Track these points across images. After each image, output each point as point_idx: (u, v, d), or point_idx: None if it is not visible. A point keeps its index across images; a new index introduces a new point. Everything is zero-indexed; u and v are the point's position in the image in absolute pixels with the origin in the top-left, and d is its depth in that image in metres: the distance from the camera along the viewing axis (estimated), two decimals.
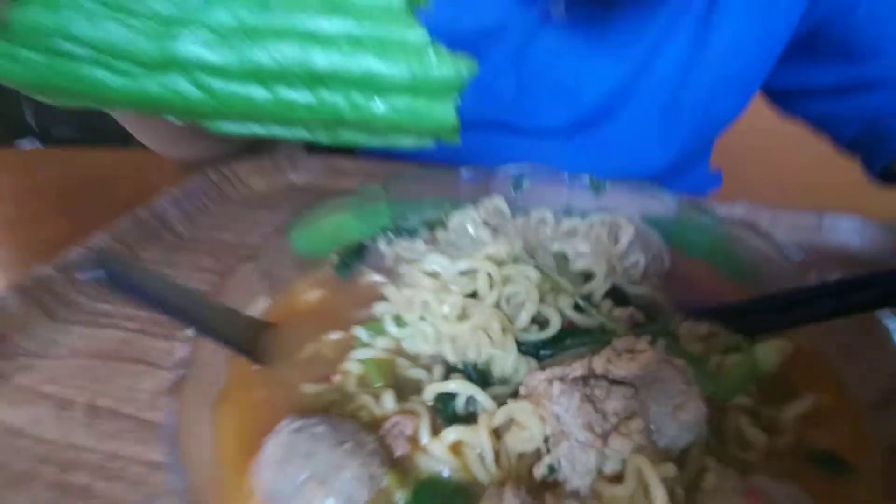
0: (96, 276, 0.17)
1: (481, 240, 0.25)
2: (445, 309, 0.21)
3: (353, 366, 0.21)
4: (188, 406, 0.17)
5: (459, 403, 0.19)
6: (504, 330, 0.21)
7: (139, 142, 0.53)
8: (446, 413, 0.19)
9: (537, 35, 0.41)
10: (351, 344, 0.22)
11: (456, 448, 0.18)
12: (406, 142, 0.25)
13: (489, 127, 0.45)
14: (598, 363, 0.19)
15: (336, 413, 0.19)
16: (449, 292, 0.21)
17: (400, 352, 0.22)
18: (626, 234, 0.26)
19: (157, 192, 0.42)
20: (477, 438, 0.18)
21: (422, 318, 0.21)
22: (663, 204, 0.28)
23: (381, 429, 0.18)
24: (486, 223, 0.26)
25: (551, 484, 0.17)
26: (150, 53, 0.25)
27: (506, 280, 0.22)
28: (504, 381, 0.20)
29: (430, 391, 0.19)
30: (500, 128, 0.46)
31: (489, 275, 0.22)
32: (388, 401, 0.20)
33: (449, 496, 0.17)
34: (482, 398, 0.19)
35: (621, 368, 0.18)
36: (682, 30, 0.41)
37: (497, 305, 0.21)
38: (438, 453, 0.18)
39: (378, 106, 0.24)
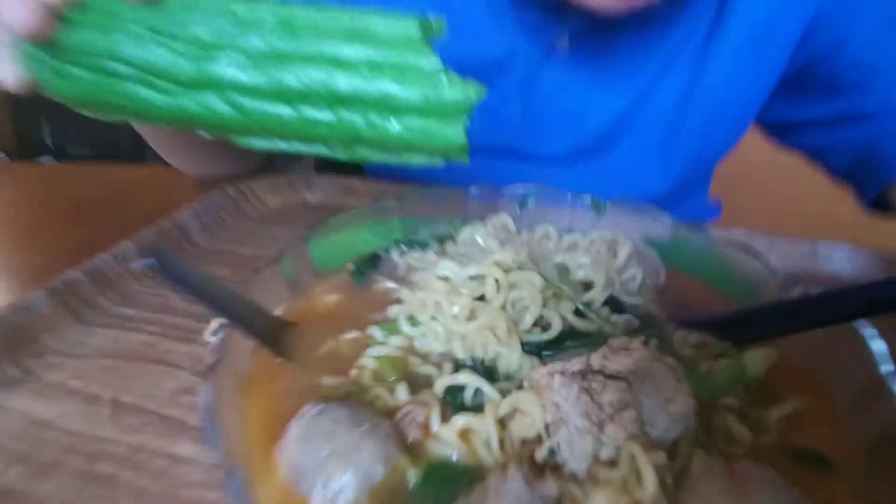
0: (148, 264, 0.19)
1: (489, 249, 0.27)
2: (455, 309, 0.23)
3: (368, 362, 0.23)
4: (220, 389, 0.19)
5: (467, 395, 0.21)
6: (509, 330, 0.23)
7: (153, 159, 0.56)
8: (455, 404, 0.21)
9: (543, 66, 0.45)
10: (366, 343, 0.25)
11: (464, 434, 0.20)
12: (418, 160, 0.28)
13: (496, 152, 0.48)
14: (596, 359, 0.21)
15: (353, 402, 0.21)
16: (459, 295, 0.24)
17: (412, 350, 0.24)
18: (625, 250, 0.28)
19: (173, 206, 0.45)
20: (483, 426, 0.20)
21: (433, 318, 0.24)
22: (660, 224, 0.31)
23: (394, 417, 0.21)
24: (493, 237, 0.29)
25: (551, 467, 0.19)
26: (189, 74, 0.28)
27: (512, 285, 0.24)
28: (509, 378, 0.22)
29: (441, 384, 0.21)
30: (506, 153, 0.49)
31: (496, 280, 0.24)
32: (402, 392, 0.22)
33: (456, 476, 0.19)
34: (488, 390, 0.21)
35: (616, 364, 0.20)
36: (681, 63, 0.44)
37: (503, 308, 0.24)
38: (448, 438, 0.20)
39: (393, 125, 0.27)
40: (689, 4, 0.42)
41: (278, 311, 0.27)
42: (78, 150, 1.08)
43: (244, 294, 0.24)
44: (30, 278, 0.35)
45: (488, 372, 0.22)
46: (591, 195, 0.32)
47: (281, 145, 0.30)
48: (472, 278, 0.25)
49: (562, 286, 0.25)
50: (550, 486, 0.17)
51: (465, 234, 0.30)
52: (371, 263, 0.30)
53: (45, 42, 0.28)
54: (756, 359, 0.24)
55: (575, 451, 0.19)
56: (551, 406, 0.20)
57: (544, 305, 0.24)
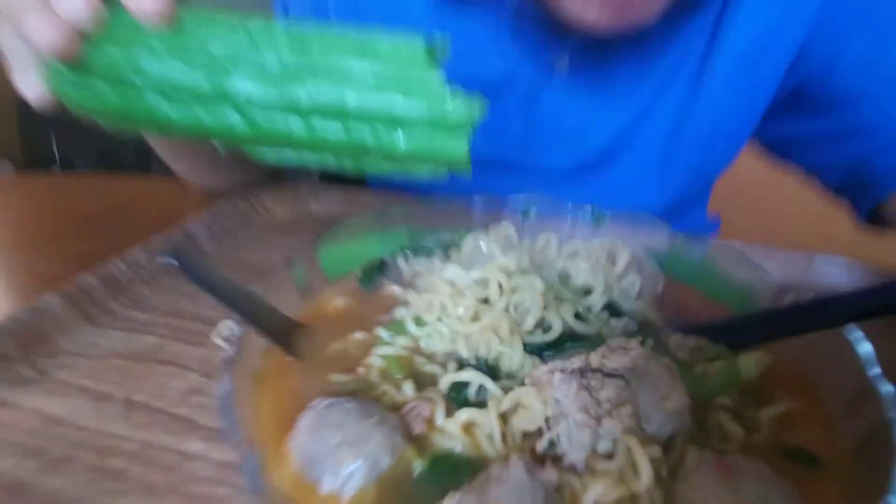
0: (171, 263, 0.21)
1: (493, 256, 0.29)
2: (460, 310, 0.25)
3: (375, 360, 0.25)
4: (236, 381, 0.20)
5: (471, 392, 0.22)
6: (512, 331, 0.24)
7: (158, 171, 0.58)
8: (459, 400, 0.22)
9: (544, 84, 0.47)
10: (374, 343, 0.26)
11: (468, 428, 0.21)
12: (423, 172, 0.29)
13: (498, 166, 0.50)
14: (595, 358, 0.22)
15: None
16: (464, 297, 0.25)
17: (418, 350, 0.25)
18: (623, 258, 0.29)
19: (178, 217, 0.47)
20: (486, 419, 0.21)
21: (439, 320, 0.25)
22: (658, 234, 0.33)
23: (401, 411, 0.22)
24: (496, 245, 0.30)
25: (551, 457, 0.20)
26: (205, 87, 0.30)
27: (514, 289, 0.25)
28: (511, 376, 0.24)
29: (445, 381, 0.23)
30: (508, 167, 0.51)
31: (499, 284, 0.26)
32: (408, 389, 0.23)
33: (460, 466, 0.20)
34: (491, 386, 0.22)
35: (614, 362, 0.21)
36: (678, 81, 0.46)
37: (506, 310, 0.25)
38: (452, 431, 0.21)
39: (400, 138, 0.28)
40: (684, 25, 0.45)
41: (289, 313, 0.28)
42: (84, 163, 1.10)
43: (258, 295, 0.25)
44: (41, 284, 0.36)
45: (491, 371, 0.24)
46: (591, 206, 0.34)
47: (291, 156, 0.31)
48: (477, 282, 0.26)
49: (562, 290, 0.26)
50: (550, 474, 0.18)
51: (468, 242, 0.32)
52: (378, 269, 0.32)
53: (70, 60, 0.30)
54: (750, 362, 0.25)
55: (574, 443, 0.20)
56: (552, 401, 0.21)
57: (545, 308, 0.25)
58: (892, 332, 0.31)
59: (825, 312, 0.24)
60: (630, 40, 0.44)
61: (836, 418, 0.22)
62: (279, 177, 0.57)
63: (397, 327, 0.26)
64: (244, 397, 0.21)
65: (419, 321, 0.26)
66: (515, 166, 0.50)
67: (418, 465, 0.20)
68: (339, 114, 0.28)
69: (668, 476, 0.20)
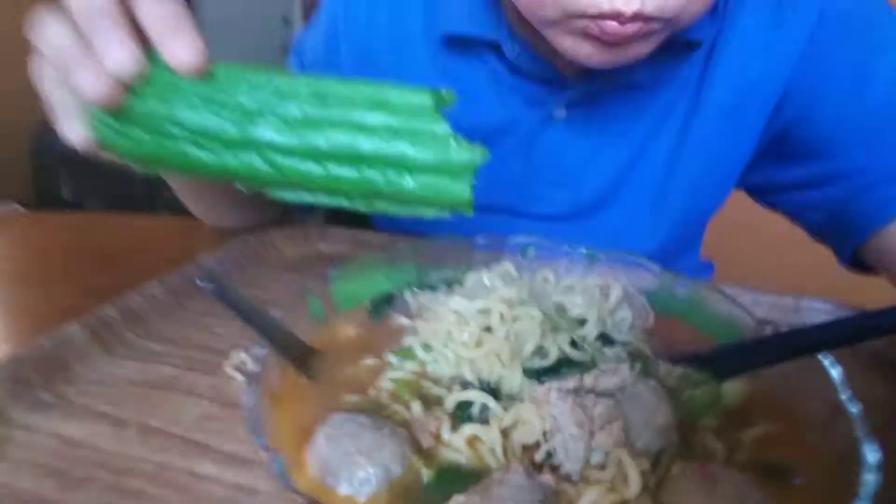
0: (207, 288, 0.24)
1: (495, 288, 0.32)
2: (465, 337, 0.28)
3: (385, 384, 0.27)
4: (261, 394, 0.23)
5: (475, 411, 0.25)
6: (512, 357, 0.27)
7: (164, 210, 0.62)
8: (463, 418, 0.25)
9: (542, 131, 0.52)
10: (384, 368, 0.29)
11: (471, 442, 0.23)
12: (428, 213, 0.33)
13: (498, 209, 0.54)
14: (588, 379, 0.25)
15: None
16: (468, 325, 0.28)
17: (425, 374, 0.28)
18: (615, 293, 0.33)
19: (188, 254, 0.50)
20: (489, 434, 0.23)
21: (445, 346, 0.28)
22: (648, 272, 0.36)
23: (410, 426, 0.24)
24: (498, 280, 0.34)
25: (549, 466, 0.22)
26: (234, 135, 0.34)
27: (514, 318, 0.28)
28: (511, 398, 0.26)
29: (451, 400, 0.25)
30: (507, 211, 0.55)
31: (501, 313, 0.29)
32: (416, 408, 0.25)
33: (465, 476, 0.22)
34: (493, 405, 0.25)
35: (606, 383, 0.24)
36: (667, 129, 0.51)
37: (507, 338, 0.28)
38: (457, 445, 0.23)
39: (408, 182, 0.32)
40: (671, 78, 0.50)
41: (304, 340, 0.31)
42: (94, 202, 1.15)
43: (279, 321, 0.28)
44: (58, 316, 0.39)
45: (493, 392, 0.26)
46: (585, 246, 0.37)
47: (308, 198, 0.35)
48: (480, 311, 0.29)
49: (559, 320, 0.29)
50: (547, 478, 0.21)
51: (471, 278, 0.35)
52: (386, 302, 0.35)
53: (113, 109, 0.34)
54: (733, 389, 0.28)
55: (569, 454, 0.22)
56: (549, 417, 0.23)
57: (543, 337, 0.28)
58: (861, 359, 0.35)
59: (800, 343, 0.27)
60: (622, 89, 0.50)
61: (811, 438, 0.25)
62: (289, 217, 0.61)
63: (406, 353, 0.29)
64: (265, 412, 0.23)
65: (426, 347, 0.29)
66: (513, 210, 0.54)
67: (426, 475, 0.22)
68: (354, 159, 0.31)
69: (655, 487, 0.22)
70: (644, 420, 0.24)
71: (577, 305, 0.31)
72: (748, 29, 0.47)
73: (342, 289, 0.35)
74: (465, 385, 0.27)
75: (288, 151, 0.33)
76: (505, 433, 0.24)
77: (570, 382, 0.25)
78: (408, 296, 0.35)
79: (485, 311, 0.29)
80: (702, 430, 0.25)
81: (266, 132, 0.33)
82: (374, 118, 0.31)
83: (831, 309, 0.45)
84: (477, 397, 0.25)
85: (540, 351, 0.28)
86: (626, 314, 0.32)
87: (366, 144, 0.31)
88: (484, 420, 0.25)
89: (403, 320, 0.33)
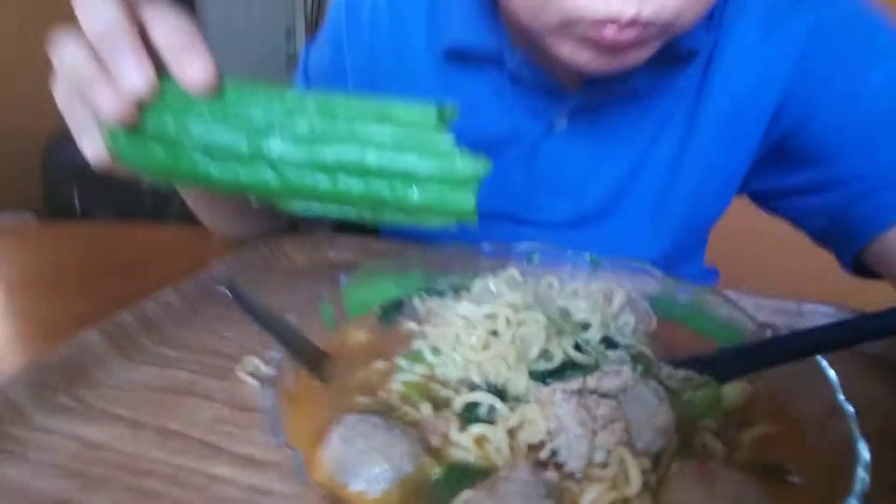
0: (226, 294, 0.25)
1: (501, 294, 0.33)
2: (473, 340, 0.29)
3: (396, 386, 0.29)
4: (278, 394, 0.24)
5: (482, 412, 0.26)
6: (518, 360, 0.28)
7: (174, 220, 0.63)
8: (471, 419, 0.26)
9: (544, 141, 0.53)
10: (394, 371, 0.30)
11: (479, 441, 0.25)
12: (434, 222, 0.34)
13: (501, 217, 0.56)
14: (591, 381, 0.26)
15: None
16: (475, 329, 0.29)
17: (433, 377, 0.29)
18: (619, 298, 0.34)
19: (198, 262, 0.51)
20: (496, 434, 0.24)
21: (453, 349, 0.29)
22: (650, 278, 0.37)
23: (420, 427, 0.25)
24: (503, 286, 0.35)
25: (553, 464, 0.23)
26: (245, 148, 0.35)
27: (520, 322, 0.30)
28: (517, 399, 0.27)
29: (459, 401, 0.26)
30: (510, 218, 0.56)
31: (507, 318, 0.30)
32: (426, 409, 0.27)
33: (472, 473, 0.23)
34: (500, 406, 0.26)
35: (608, 385, 0.25)
36: (668, 137, 0.52)
37: (513, 341, 0.29)
38: (465, 444, 0.24)
39: (414, 193, 0.33)
40: (670, 86, 0.51)
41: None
42: (104, 213, 1.18)
43: (293, 326, 0.29)
44: (74, 324, 0.40)
45: (500, 394, 0.27)
46: (589, 253, 0.39)
47: (317, 209, 0.36)
48: (487, 316, 0.30)
49: (563, 324, 0.31)
50: (552, 475, 0.22)
51: (478, 284, 0.36)
52: (396, 308, 0.36)
53: (129, 126, 0.36)
54: (733, 391, 0.29)
55: (573, 453, 0.23)
56: (553, 417, 0.24)
57: (548, 340, 0.29)
58: (861, 361, 0.37)
59: (798, 345, 0.28)
60: (622, 99, 0.51)
61: (809, 438, 0.26)
62: (297, 226, 0.62)
63: (415, 357, 0.30)
64: (282, 413, 0.25)
65: (435, 351, 0.30)
66: (516, 218, 0.56)
67: (436, 472, 0.23)
68: (361, 171, 0.32)
69: (656, 486, 0.23)
70: (645, 420, 0.25)
71: (580, 310, 0.32)
72: (743, 40, 0.49)
73: (353, 295, 0.36)
74: (473, 387, 0.28)
75: (297, 164, 0.34)
76: (511, 433, 0.25)
77: (574, 384, 0.26)
78: (416, 302, 0.37)
79: (491, 316, 0.30)
80: (702, 431, 0.26)
81: (276, 146, 0.34)
82: (381, 132, 0.32)
83: (833, 312, 0.46)
84: (484, 399, 0.26)
85: (545, 354, 0.29)
86: (629, 318, 0.34)
87: (372, 157, 0.32)
88: (491, 420, 0.26)
89: (412, 325, 0.34)
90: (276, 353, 0.27)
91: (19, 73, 1.72)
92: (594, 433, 0.24)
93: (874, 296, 0.52)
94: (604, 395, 0.25)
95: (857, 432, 0.23)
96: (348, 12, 0.59)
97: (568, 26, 0.39)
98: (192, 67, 0.33)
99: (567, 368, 0.28)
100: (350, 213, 0.35)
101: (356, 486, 0.22)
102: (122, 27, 0.33)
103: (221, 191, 0.37)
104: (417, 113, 0.32)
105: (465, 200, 0.31)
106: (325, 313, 0.33)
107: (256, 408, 0.35)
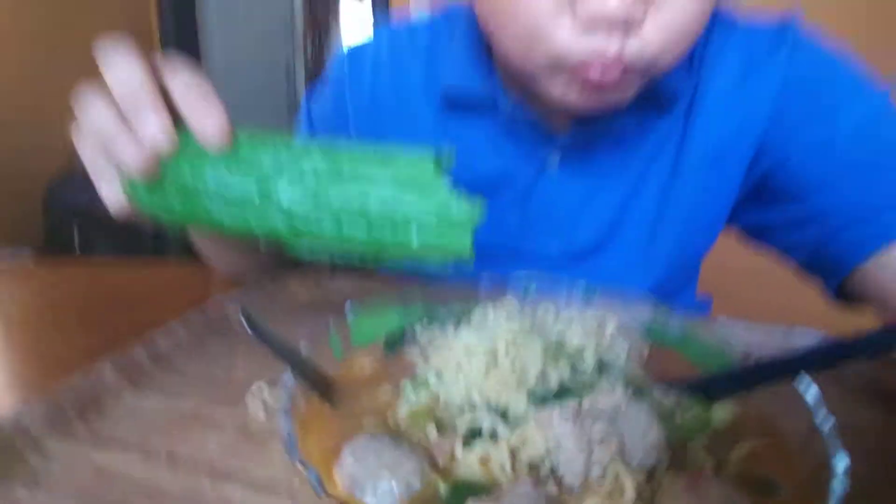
0: (245, 324, 0.27)
1: (499, 322, 0.35)
2: (474, 366, 0.31)
3: (402, 410, 0.30)
4: (293, 417, 0.26)
5: (485, 433, 0.28)
6: (518, 384, 0.30)
7: (173, 256, 0.66)
8: (474, 440, 0.28)
9: (537, 182, 0.57)
10: (400, 396, 0.32)
11: (483, 460, 0.26)
12: (433, 262, 0.36)
13: (497, 255, 0.58)
14: (586, 402, 0.28)
15: None
16: (476, 355, 0.31)
17: (438, 401, 0.31)
18: (611, 325, 0.36)
19: (203, 297, 0.53)
20: (499, 453, 0.26)
21: (456, 375, 0.31)
22: (642, 307, 0.39)
23: (427, 447, 0.27)
24: (502, 315, 0.37)
25: (553, 480, 0.25)
26: (255, 194, 0.38)
27: (518, 349, 0.32)
28: (517, 420, 0.29)
29: (463, 423, 0.28)
30: (506, 256, 0.59)
31: (506, 344, 0.32)
32: (431, 431, 0.28)
33: (478, 490, 0.25)
34: (501, 427, 0.28)
35: (602, 405, 0.27)
36: (656, 175, 0.56)
37: (512, 366, 0.31)
38: (470, 463, 0.26)
39: (413, 235, 0.35)
40: (655, 126, 0.55)
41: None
42: (104, 249, 1.20)
43: (303, 353, 0.31)
44: (78, 359, 0.42)
45: (501, 416, 0.29)
46: (583, 283, 0.41)
47: (322, 251, 0.39)
48: (487, 343, 0.32)
49: (559, 350, 0.33)
50: (552, 488, 0.24)
51: (478, 313, 0.38)
52: (400, 338, 0.38)
53: (148, 177, 0.38)
54: (722, 412, 0.31)
55: (571, 469, 0.25)
56: (552, 437, 0.26)
57: (545, 365, 0.31)
58: (847, 383, 0.40)
59: (781, 368, 0.30)
60: (610, 140, 0.55)
61: (793, 453, 0.28)
62: (299, 263, 0.65)
63: (420, 382, 0.32)
64: (296, 436, 0.26)
65: (439, 376, 0.32)
66: (512, 255, 0.59)
67: (443, 489, 0.25)
68: (364, 215, 0.35)
69: (650, 499, 0.25)
70: (638, 438, 0.26)
71: (576, 336, 0.35)
72: (721, 87, 0.53)
73: (358, 326, 0.38)
74: (476, 409, 0.30)
75: (304, 210, 0.37)
76: (513, 452, 0.27)
77: (571, 405, 0.28)
78: (419, 331, 0.39)
79: (491, 343, 0.32)
80: (693, 448, 0.28)
81: (284, 193, 0.37)
82: (382, 178, 0.35)
83: (820, 337, 0.48)
84: (487, 420, 0.28)
85: (543, 378, 0.31)
86: (622, 344, 0.36)
87: (374, 203, 0.35)
88: (494, 440, 0.28)
89: (416, 354, 0.36)
90: (289, 380, 0.29)
91: (24, 116, 1.78)
92: (590, 451, 0.26)
93: (865, 324, 0.55)
94: (598, 416, 0.27)
95: (834, 447, 0.25)
96: (351, 62, 0.63)
97: (556, 66, 0.42)
98: (208, 123, 0.36)
99: (564, 391, 0.30)
100: (353, 254, 0.38)
101: (368, 500, 0.24)
102: (146, 87, 0.36)
103: (233, 235, 0.39)
104: (416, 160, 0.35)
105: (462, 242, 0.34)
106: (333, 343, 0.35)
107: (264, 434, 0.36)
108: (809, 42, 0.53)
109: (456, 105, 0.58)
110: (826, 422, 0.27)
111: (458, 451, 0.27)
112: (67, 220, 1.17)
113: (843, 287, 0.53)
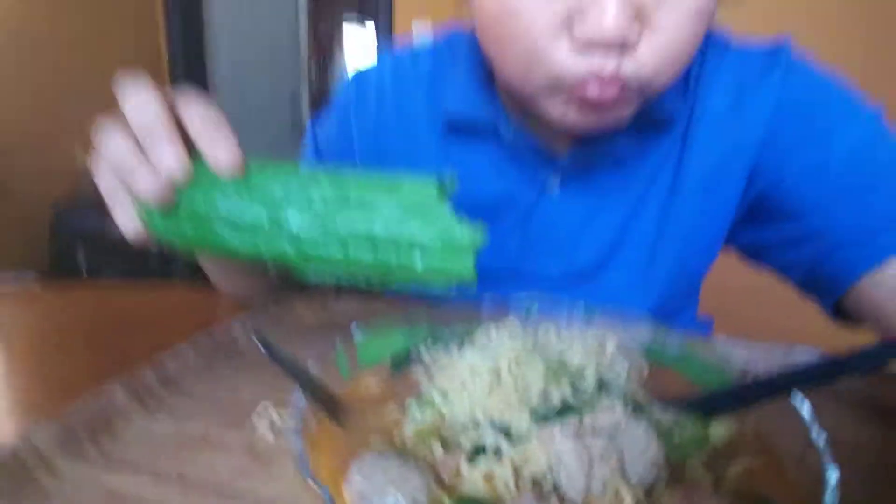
0: (259, 344, 0.28)
1: (502, 342, 0.37)
2: (478, 385, 0.32)
3: (408, 428, 0.31)
4: (304, 437, 0.27)
5: (489, 450, 0.29)
6: (520, 402, 0.31)
7: (179, 279, 0.67)
8: (478, 457, 0.29)
9: (538, 204, 0.59)
10: (406, 415, 0.33)
11: (487, 477, 0.27)
12: (437, 285, 0.38)
13: (499, 276, 0.60)
14: (587, 420, 0.29)
15: None
16: (480, 375, 0.33)
17: (443, 420, 0.32)
18: (611, 345, 0.37)
19: (210, 321, 0.55)
20: (502, 470, 0.27)
21: (460, 394, 0.32)
22: (642, 328, 0.41)
23: (432, 464, 0.28)
24: (504, 335, 0.38)
25: (555, 495, 0.26)
26: (265, 221, 0.39)
27: (521, 368, 0.33)
28: (520, 438, 0.30)
29: (467, 441, 0.29)
30: (507, 278, 0.60)
31: (509, 364, 0.33)
32: (437, 449, 0.29)
33: None
34: (505, 445, 0.29)
35: (602, 422, 0.28)
36: (652, 201, 0.57)
37: (515, 385, 0.32)
38: (474, 479, 0.27)
39: (418, 260, 0.37)
40: (653, 148, 0.57)
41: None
42: (109, 275, 1.22)
43: (315, 375, 0.33)
44: (85, 382, 0.43)
45: (504, 434, 0.30)
46: (583, 304, 0.42)
47: (329, 275, 0.40)
48: (490, 363, 0.34)
49: (560, 369, 0.34)
50: (554, 502, 0.24)
51: (481, 333, 0.40)
52: (405, 358, 0.39)
53: (164, 205, 0.40)
54: (719, 430, 0.32)
55: (573, 484, 0.26)
56: (554, 454, 0.27)
57: (547, 384, 0.32)
58: (837, 398, 0.41)
59: (776, 385, 0.31)
60: (609, 162, 0.57)
61: (788, 470, 0.29)
62: (306, 286, 0.66)
63: (425, 401, 0.33)
64: (306, 453, 0.28)
65: (444, 395, 0.33)
66: (513, 276, 0.60)
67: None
68: (370, 240, 0.36)
69: None
70: (637, 455, 0.27)
71: (576, 355, 0.36)
72: (715, 110, 0.55)
73: (365, 347, 0.39)
74: (480, 427, 0.31)
75: (312, 236, 0.38)
76: (516, 468, 0.28)
77: (572, 423, 0.29)
78: (424, 352, 0.40)
79: (494, 363, 0.34)
80: (692, 465, 0.29)
81: (293, 219, 0.38)
82: (387, 205, 0.36)
83: (818, 355, 0.49)
84: (490, 438, 0.29)
85: (544, 396, 0.32)
86: (621, 364, 0.37)
87: (380, 229, 0.36)
88: (497, 457, 0.29)
89: (421, 373, 0.37)
90: (300, 399, 0.30)
91: (31, 141, 1.82)
92: (591, 467, 0.27)
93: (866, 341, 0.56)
94: (599, 433, 0.28)
95: (826, 461, 0.26)
96: (356, 87, 0.66)
97: (556, 87, 0.44)
98: (222, 153, 0.38)
99: (565, 409, 0.31)
100: (360, 278, 0.39)
101: None
102: (162, 119, 0.38)
103: (243, 259, 0.41)
104: (420, 186, 0.37)
105: (465, 265, 0.35)
106: (340, 363, 0.37)
107: (272, 454, 0.37)
108: (802, 64, 0.55)
109: (458, 129, 0.60)
110: (820, 437, 0.28)
111: (463, 467, 0.28)
112: (74, 245, 1.19)
113: (840, 305, 0.54)
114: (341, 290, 0.67)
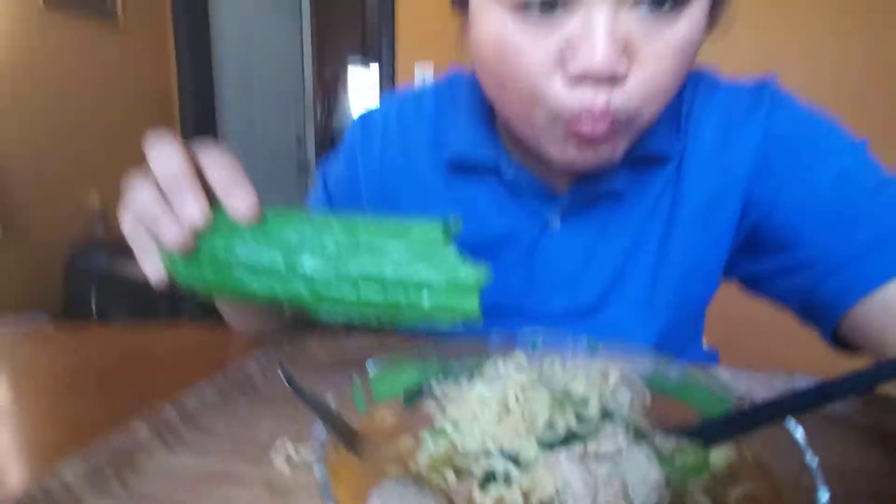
0: (279, 371, 0.31)
1: (509, 375, 0.39)
2: (487, 416, 0.34)
3: (422, 458, 0.33)
4: (326, 466, 0.29)
5: (499, 477, 0.31)
6: (527, 431, 0.33)
7: (189, 320, 0.70)
8: (489, 483, 0.31)
9: (540, 240, 0.62)
10: (419, 446, 0.35)
11: (498, 502, 0.29)
12: (444, 322, 0.40)
13: (503, 313, 0.62)
14: (591, 446, 0.31)
15: None
16: (489, 406, 0.35)
17: (455, 449, 0.34)
18: (614, 375, 0.39)
19: (220, 361, 0.57)
20: (512, 495, 0.29)
21: (471, 424, 0.34)
22: (643, 358, 0.43)
23: (446, 492, 0.30)
24: (512, 368, 0.40)
25: None
26: (281, 265, 0.42)
27: (528, 399, 0.35)
28: (528, 465, 0.32)
29: (479, 469, 0.31)
30: (511, 314, 0.63)
31: (516, 395, 0.35)
32: (450, 476, 0.31)
33: None
34: (514, 471, 0.31)
35: (606, 448, 0.30)
36: (651, 236, 0.60)
37: (522, 415, 0.34)
38: None
39: (425, 299, 0.40)
40: (648, 190, 0.60)
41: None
42: (120, 313, 1.25)
43: (334, 409, 0.35)
44: (97, 424, 0.45)
45: (513, 461, 0.32)
46: (587, 338, 0.45)
47: (342, 315, 0.43)
48: (499, 394, 0.36)
49: (565, 399, 0.36)
50: None
51: (489, 367, 0.42)
52: (418, 392, 0.41)
53: (186, 252, 0.44)
54: (719, 456, 0.34)
55: None
56: (560, 479, 0.29)
57: (552, 414, 0.35)
58: (838, 423, 0.43)
59: (772, 411, 0.33)
60: (607, 198, 0.60)
61: (785, 493, 0.30)
62: (319, 325, 0.69)
63: (438, 432, 0.35)
64: (329, 482, 0.30)
65: (455, 426, 0.35)
66: (518, 312, 0.63)
67: None
68: (380, 281, 0.39)
69: None
70: (639, 480, 0.29)
71: (580, 386, 0.38)
72: (706, 147, 0.58)
73: (378, 382, 0.41)
74: (490, 455, 0.33)
75: (325, 279, 0.41)
76: (525, 493, 0.29)
77: (577, 450, 0.31)
78: (436, 385, 0.42)
79: (503, 394, 0.36)
80: (693, 490, 0.31)
81: (308, 263, 0.42)
82: (396, 248, 0.39)
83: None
84: (500, 465, 0.31)
85: (550, 425, 0.34)
86: (625, 393, 0.39)
87: (389, 270, 0.39)
88: (507, 483, 0.30)
89: (434, 406, 0.39)
90: (321, 432, 0.32)
91: (46, 185, 1.89)
92: (596, 491, 0.28)
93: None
94: (602, 459, 0.30)
95: (818, 483, 0.28)
96: (363, 133, 0.70)
97: (554, 122, 0.48)
98: (240, 202, 0.42)
99: (570, 436, 0.33)
100: (370, 317, 0.42)
101: None
102: (184, 171, 0.42)
103: (259, 301, 0.44)
104: (426, 229, 0.40)
105: (470, 303, 0.38)
106: (356, 398, 0.39)
107: (289, 488, 0.39)
108: (787, 99, 0.58)
109: (461, 168, 0.63)
110: (813, 461, 0.30)
111: (476, 494, 0.30)
112: (87, 286, 1.22)
113: (839, 333, 0.56)
114: (352, 328, 0.69)
